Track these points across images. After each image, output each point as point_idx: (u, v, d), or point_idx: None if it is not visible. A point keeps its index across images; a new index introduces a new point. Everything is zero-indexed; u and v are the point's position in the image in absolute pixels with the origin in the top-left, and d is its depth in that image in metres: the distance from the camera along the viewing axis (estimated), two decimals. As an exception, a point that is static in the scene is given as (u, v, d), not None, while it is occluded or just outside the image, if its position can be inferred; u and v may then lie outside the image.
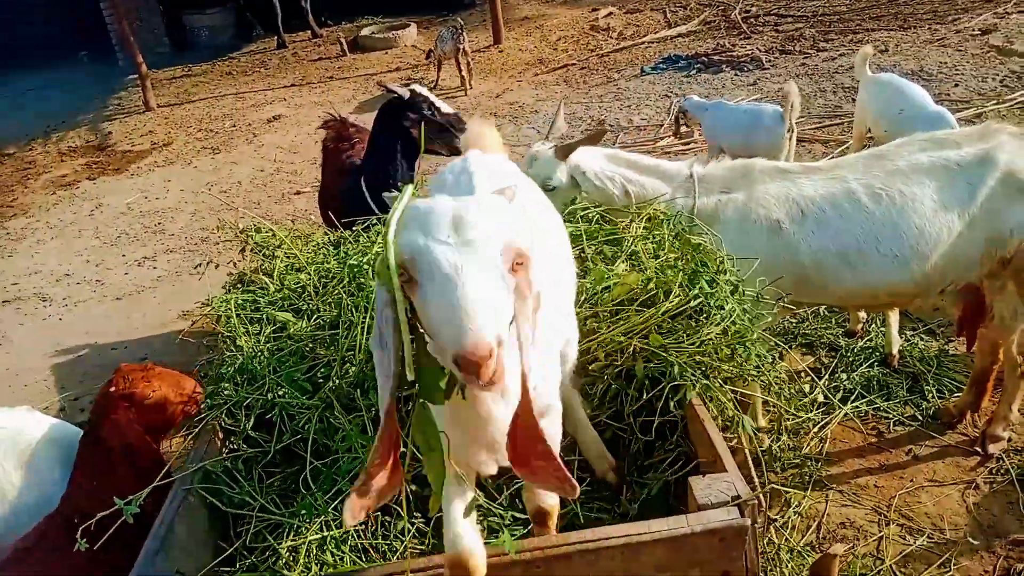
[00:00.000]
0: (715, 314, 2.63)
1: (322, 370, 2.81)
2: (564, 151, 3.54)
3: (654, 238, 3.15)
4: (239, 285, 3.70)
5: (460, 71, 11.43)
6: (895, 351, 4.36)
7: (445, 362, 1.53)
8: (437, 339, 1.51)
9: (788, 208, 3.36)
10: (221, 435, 2.81)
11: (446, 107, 4.67)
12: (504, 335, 1.49)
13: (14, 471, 3.10)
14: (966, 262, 3.28)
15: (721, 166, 3.55)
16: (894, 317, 4.31)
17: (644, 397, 2.59)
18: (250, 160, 10.08)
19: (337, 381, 2.68)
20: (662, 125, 8.80)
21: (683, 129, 7.36)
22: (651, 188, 3.49)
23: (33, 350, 6.11)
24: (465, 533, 1.98)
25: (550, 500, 2.27)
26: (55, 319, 6.61)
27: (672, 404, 2.56)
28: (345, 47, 14.82)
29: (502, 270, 1.54)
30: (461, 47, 11.20)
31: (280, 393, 2.74)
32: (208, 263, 4.24)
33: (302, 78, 13.87)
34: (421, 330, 1.62)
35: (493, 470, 1.96)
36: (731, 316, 2.61)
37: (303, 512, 2.50)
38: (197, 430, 2.81)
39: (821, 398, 3.58)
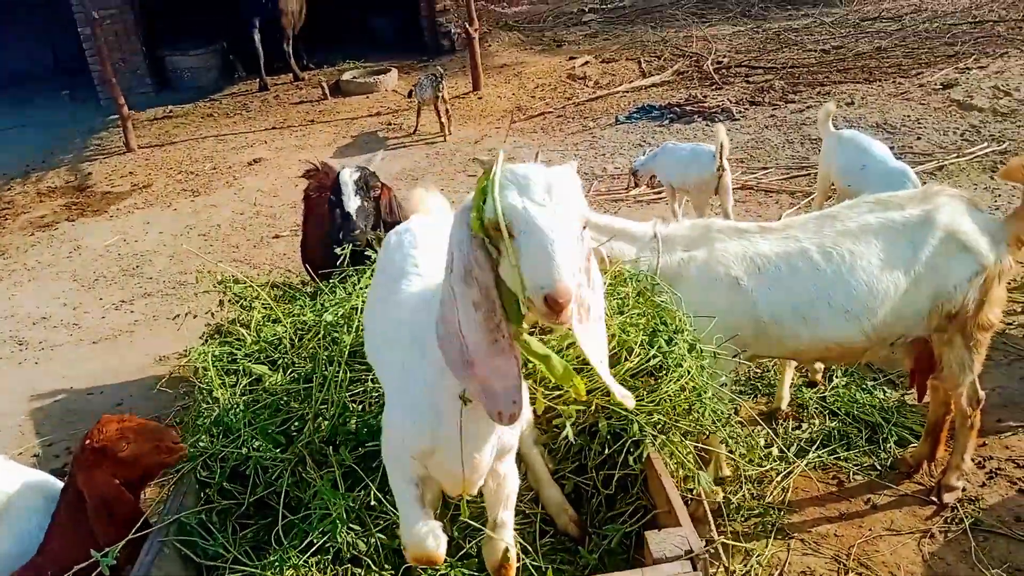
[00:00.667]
0: (673, 371, 2.75)
1: (296, 423, 2.91)
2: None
3: (618, 295, 3.28)
4: (216, 336, 3.79)
5: (439, 117, 11.63)
6: (784, 406, 4.54)
7: (532, 301, 1.80)
8: (528, 283, 1.79)
9: (746, 265, 3.53)
10: (197, 487, 2.88)
11: (353, 203, 4.40)
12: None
13: None
14: (913, 317, 3.46)
15: (683, 226, 3.72)
16: (788, 372, 4.47)
17: (606, 452, 2.69)
18: (230, 203, 10.17)
19: (310, 436, 2.77)
20: (636, 172, 8.99)
21: (636, 189, 8.01)
22: (618, 251, 3.63)
23: (8, 394, 6.12)
24: (431, 526, 2.31)
25: (507, 553, 2.40)
26: (31, 363, 6.63)
27: (631, 459, 2.67)
28: (326, 90, 15.02)
29: (578, 233, 1.89)
30: (440, 95, 11.41)
31: (255, 446, 2.82)
32: (187, 314, 4.32)
33: (283, 121, 14.03)
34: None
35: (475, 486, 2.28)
36: (688, 373, 2.73)
37: (276, 564, 2.57)
38: (173, 481, 2.88)
39: (776, 451, 3.70)
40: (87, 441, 2.89)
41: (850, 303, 3.46)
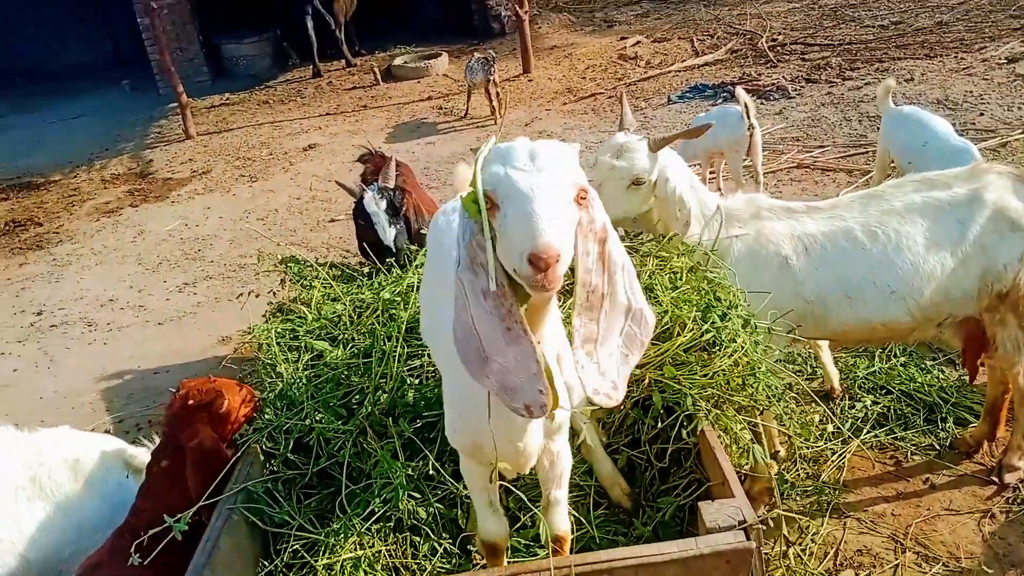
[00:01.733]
0: (727, 346, 2.77)
1: (356, 397, 2.99)
2: (657, 144, 3.42)
3: (672, 269, 3.30)
4: (278, 314, 3.90)
5: (490, 101, 11.67)
6: (836, 384, 4.51)
7: (519, 272, 1.75)
8: (513, 249, 1.74)
9: (794, 245, 3.52)
10: (263, 457, 2.99)
11: (389, 235, 4.40)
12: (567, 251, 1.76)
13: (72, 488, 3.30)
14: (961, 297, 3.42)
15: (735, 202, 3.70)
16: (825, 353, 4.45)
17: (659, 426, 2.73)
18: (286, 188, 10.37)
19: (370, 408, 2.85)
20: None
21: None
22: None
23: (79, 374, 6.37)
24: (500, 520, 2.46)
25: (563, 526, 2.47)
26: (100, 343, 6.88)
27: (685, 432, 2.70)
28: (378, 76, 15.16)
29: (568, 197, 1.81)
30: (491, 78, 11.43)
31: (317, 419, 2.91)
32: (250, 293, 4.45)
33: (336, 107, 14.21)
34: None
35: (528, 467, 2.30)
36: (742, 349, 2.75)
37: (339, 532, 2.66)
38: (240, 451, 2.99)
39: (831, 428, 3.69)
40: (189, 401, 3.00)
41: (896, 283, 3.43)
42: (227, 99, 16.03)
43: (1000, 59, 10.14)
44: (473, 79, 11.66)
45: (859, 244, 3.48)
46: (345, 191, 4.57)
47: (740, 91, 6.90)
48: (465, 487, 2.66)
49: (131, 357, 6.54)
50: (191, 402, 2.94)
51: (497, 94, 11.73)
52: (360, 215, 4.36)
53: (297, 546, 2.70)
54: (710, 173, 7.98)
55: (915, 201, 3.51)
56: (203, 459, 2.85)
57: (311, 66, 16.50)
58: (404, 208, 4.38)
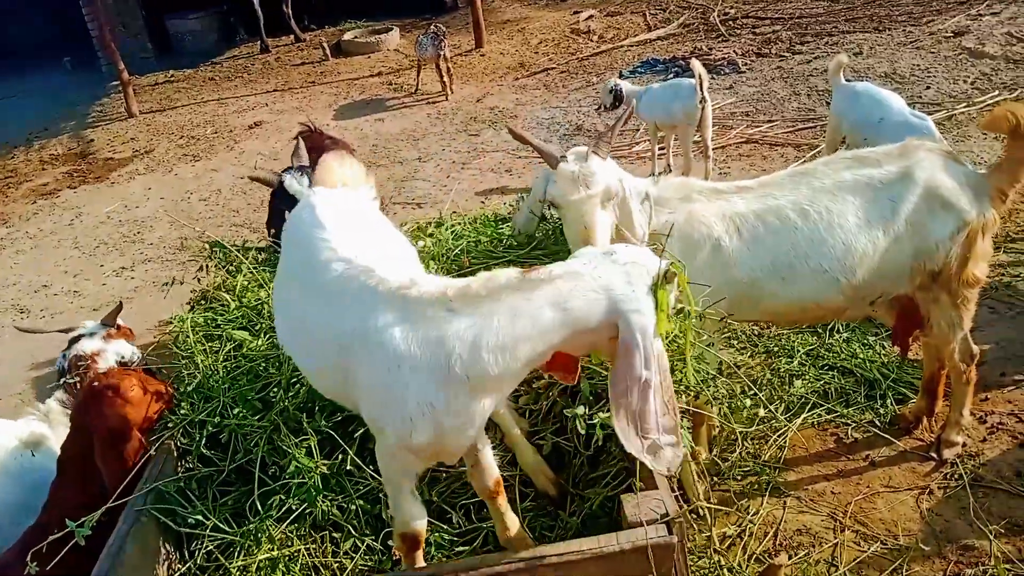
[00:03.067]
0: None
1: (274, 390, 2.86)
2: (605, 150, 3.18)
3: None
4: (202, 302, 3.75)
5: (441, 76, 11.47)
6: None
7: None
8: None
9: (726, 226, 3.43)
10: (177, 454, 2.85)
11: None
12: None
13: None
14: (895, 275, 3.38)
15: (666, 186, 3.60)
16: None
17: (587, 412, 2.64)
18: (231, 167, 10.11)
19: (284, 404, 2.73)
20: (638, 130, 8.85)
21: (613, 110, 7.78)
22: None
23: (9, 365, 6.14)
24: (421, 507, 2.41)
25: (492, 477, 2.51)
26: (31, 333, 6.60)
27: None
28: (327, 51, 14.85)
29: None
30: (442, 52, 11.22)
31: (233, 413, 2.78)
32: (172, 282, 4.27)
33: (284, 83, 13.89)
34: None
35: None
36: (670, 335, 2.67)
37: (255, 532, 2.54)
38: (153, 448, 2.85)
39: (763, 412, 3.63)
40: (95, 383, 2.86)
41: (828, 262, 3.37)
42: (172, 76, 15.61)
43: (947, 32, 10.18)
44: (423, 54, 11.44)
45: (790, 223, 3.40)
46: (260, 183, 4.36)
47: (696, 63, 6.82)
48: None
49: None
50: (97, 384, 2.79)
51: (448, 69, 11.53)
52: (282, 200, 4.17)
53: (211, 547, 2.58)
54: (659, 148, 7.91)
55: (846, 179, 3.44)
56: (114, 444, 2.71)
57: (259, 41, 16.12)
58: None
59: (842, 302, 3.48)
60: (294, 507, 2.57)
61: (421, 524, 2.41)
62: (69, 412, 3.48)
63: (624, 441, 2.04)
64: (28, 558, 2.40)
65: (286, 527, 2.56)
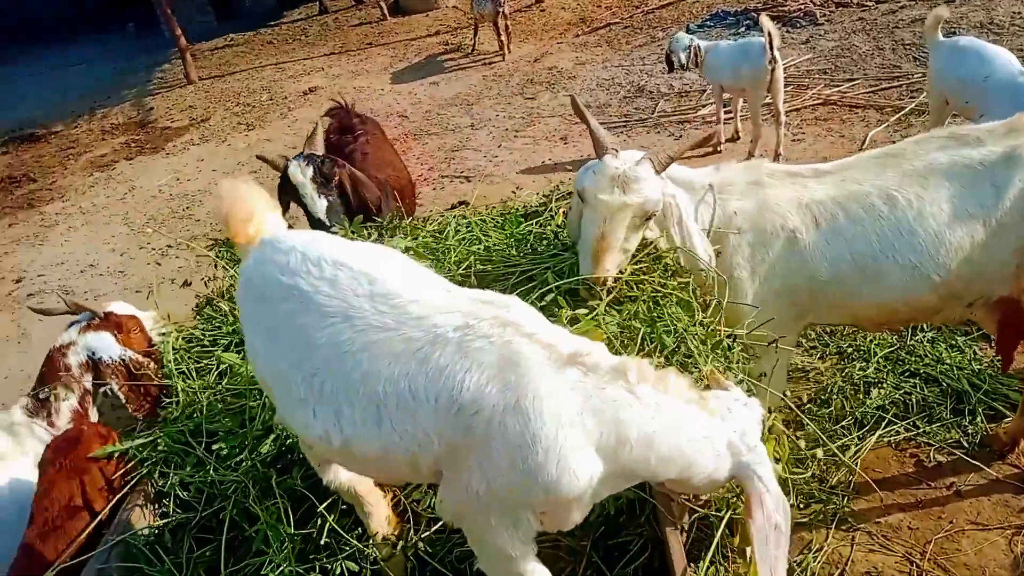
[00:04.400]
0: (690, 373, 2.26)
1: (257, 432, 2.52)
2: (664, 164, 2.73)
3: (643, 274, 2.76)
4: (207, 307, 3.47)
5: (498, 35, 10.96)
6: None
7: None
8: None
9: (802, 215, 2.94)
10: (153, 496, 2.57)
11: (320, 207, 3.93)
12: None
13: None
14: (996, 274, 2.86)
15: (737, 170, 3.11)
16: None
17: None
18: (283, 137, 9.88)
19: (249, 463, 2.40)
20: (705, 91, 8.24)
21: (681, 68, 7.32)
22: (680, 203, 3.04)
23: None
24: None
25: None
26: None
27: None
28: (385, 11, 14.45)
29: None
30: (500, 10, 10.70)
31: (211, 458, 2.47)
32: (187, 283, 4.00)
33: (342, 45, 13.58)
34: None
35: None
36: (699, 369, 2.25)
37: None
38: (126, 489, 2.58)
39: (821, 454, 3.13)
40: (50, 451, 2.58)
41: (917, 256, 2.87)
42: (231, 40, 15.47)
43: (1055, -27, 9.17)
44: (481, 10, 10.94)
45: (875, 211, 2.90)
46: (268, 164, 4.04)
47: (764, 19, 6.28)
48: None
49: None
50: (50, 454, 2.50)
51: (506, 27, 11.01)
52: (286, 189, 3.84)
53: (183, 610, 2.29)
54: (726, 112, 7.31)
55: (941, 161, 2.91)
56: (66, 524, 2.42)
57: (317, 2, 15.82)
58: (335, 177, 3.84)
59: (935, 302, 2.98)
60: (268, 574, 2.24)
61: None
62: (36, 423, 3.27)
63: None
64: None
65: (262, 594, 2.23)
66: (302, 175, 3.76)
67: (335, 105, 5.43)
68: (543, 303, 2.60)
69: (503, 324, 1.87)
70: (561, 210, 3.44)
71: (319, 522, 2.31)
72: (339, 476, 2.31)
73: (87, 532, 2.47)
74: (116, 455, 2.60)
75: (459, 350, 1.84)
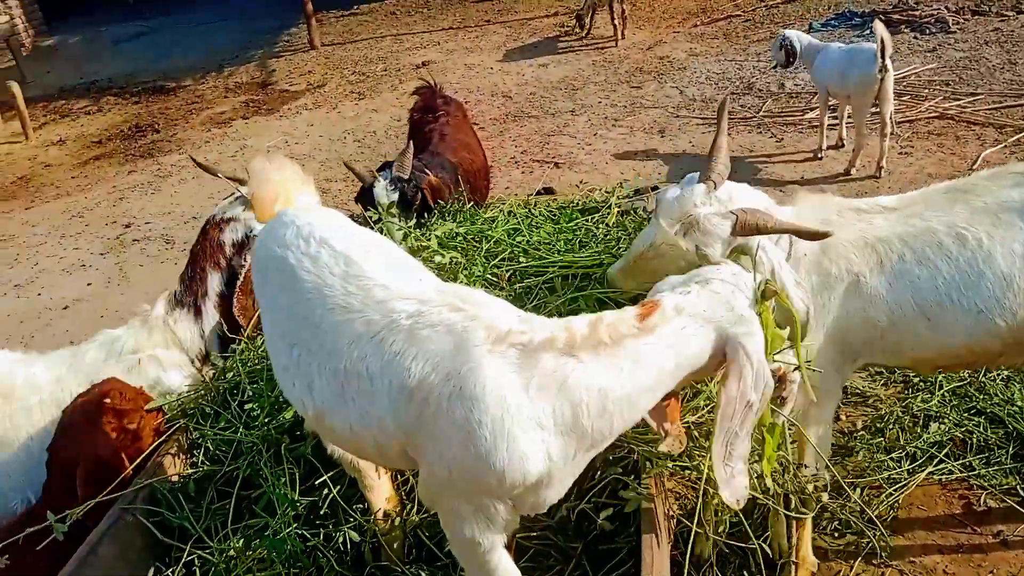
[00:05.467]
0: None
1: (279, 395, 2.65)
2: (747, 229, 2.52)
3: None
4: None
5: (613, 20, 10.84)
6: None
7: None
8: None
9: (866, 257, 2.80)
10: (186, 447, 2.72)
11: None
12: None
13: None
14: None
15: (806, 209, 2.98)
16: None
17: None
18: (390, 108, 10.08)
19: (267, 428, 2.51)
20: (814, 94, 7.94)
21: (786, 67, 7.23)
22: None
23: (143, 293, 6.40)
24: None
25: None
26: (171, 263, 6.89)
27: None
28: (508, -13, 14.50)
29: None
30: (618, -7, 10.58)
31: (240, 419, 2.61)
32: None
33: (461, 20, 13.72)
34: None
35: None
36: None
37: (236, 553, 2.37)
38: (163, 437, 2.74)
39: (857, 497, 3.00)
40: (106, 399, 2.71)
41: (983, 300, 2.71)
42: (357, 9, 15.84)
43: None
44: (597, -5, 10.86)
45: (944, 251, 2.75)
46: (355, 175, 4.08)
47: (878, 25, 6.02)
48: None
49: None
50: (108, 401, 2.64)
51: (623, 12, 10.88)
52: (368, 202, 3.89)
53: (195, 557, 2.43)
54: (831, 118, 7.04)
55: (1014, 199, 2.74)
56: (99, 476, 2.57)
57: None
58: (417, 201, 3.86)
59: (998, 348, 2.81)
60: (278, 528, 2.36)
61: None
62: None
63: (716, 467, 1.97)
64: (-1, 551, 2.34)
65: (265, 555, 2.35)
66: (387, 198, 3.79)
67: (423, 84, 5.53)
68: (570, 306, 2.62)
69: (453, 309, 1.91)
70: (615, 209, 3.42)
71: (324, 491, 2.41)
72: (339, 448, 2.40)
73: (125, 475, 2.63)
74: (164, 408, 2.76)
75: (409, 336, 1.89)
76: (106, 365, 3.20)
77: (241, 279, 3.38)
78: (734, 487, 2.00)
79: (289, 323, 2.06)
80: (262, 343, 3.06)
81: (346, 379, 1.94)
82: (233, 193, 3.63)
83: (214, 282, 3.44)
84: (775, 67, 7.11)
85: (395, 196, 3.84)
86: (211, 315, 3.42)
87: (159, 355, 3.31)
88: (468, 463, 1.82)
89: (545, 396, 1.82)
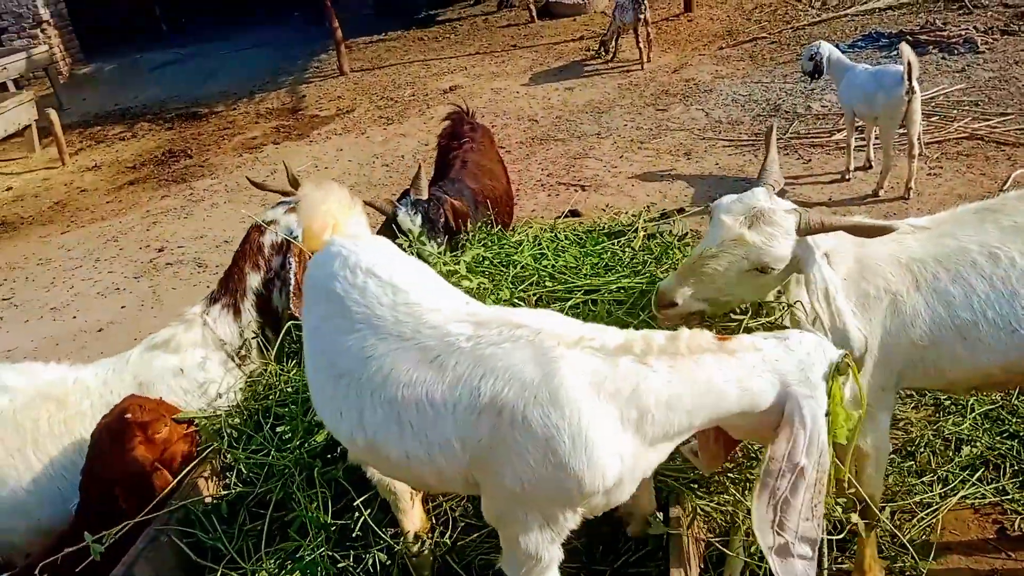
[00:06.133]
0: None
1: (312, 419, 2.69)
2: (810, 228, 2.51)
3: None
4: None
5: (638, 43, 10.90)
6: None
7: None
8: None
9: (902, 276, 2.79)
10: (219, 469, 2.77)
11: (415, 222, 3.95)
12: None
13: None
14: None
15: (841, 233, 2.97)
16: None
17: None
18: (418, 133, 10.20)
19: (299, 452, 2.55)
20: (842, 115, 7.93)
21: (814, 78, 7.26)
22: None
23: (178, 315, 6.50)
24: None
25: None
26: (203, 286, 6.99)
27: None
28: (533, 13, 14.65)
29: None
30: (642, 17, 10.64)
31: (272, 442, 2.66)
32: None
33: (487, 46, 13.86)
34: None
35: None
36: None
37: (264, 574, 2.40)
38: (198, 459, 2.79)
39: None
40: (128, 415, 2.77)
41: (1017, 319, 2.69)
42: (385, 36, 16.06)
43: None
44: (622, 18, 10.93)
45: (978, 269, 2.74)
46: (375, 209, 4.11)
47: (905, 47, 6.03)
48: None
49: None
50: (128, 416, 2.71)
51: (647, 35, 10.95)
52: (392, 232, 3.91)
53: (225, 579, 2.47)
54: (858, 139, 7.03)
55: None
56: (132, 485, 2.62)
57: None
58: (441, 219, 3.89)
59: None
60: (307, 554, 2.39)
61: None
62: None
63: (757, 531, 1.92)
64: (38, 570, 2.39)
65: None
66: (411, 223, 3.85)
67: (454, 110, 5.60)
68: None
69: (514, 327, 1.96)
70: (641, 233, 3.44)
71: (356, 515, 2.44)
72: (378, 473, 2.44)
73: (160, 497, 2.69)
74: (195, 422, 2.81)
75: (473, 357, 1.92)
76: (150, 365, 3.35)
77: (293, 282, 3.47)
78: (791, 568, 1.93)
79: (337, 354, 2.08)
80: (293, 367, 3.12)
81: (402, 407, 1.96)
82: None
83: (253, 282, 3.57)
84: (804, 76, 7.18)
85: (418, 219, 3.86)
86: (249, 314, 3.55)
87: (201, 354, 3.44)
88: (546, 472, 1.86)
89: (617, 399, 1.87)
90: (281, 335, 3.29)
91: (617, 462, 1.87)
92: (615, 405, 1.87)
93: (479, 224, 3.91)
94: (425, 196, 3.91)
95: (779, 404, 1.94)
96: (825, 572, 2.69)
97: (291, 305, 3.43)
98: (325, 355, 2.12)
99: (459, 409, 1.90)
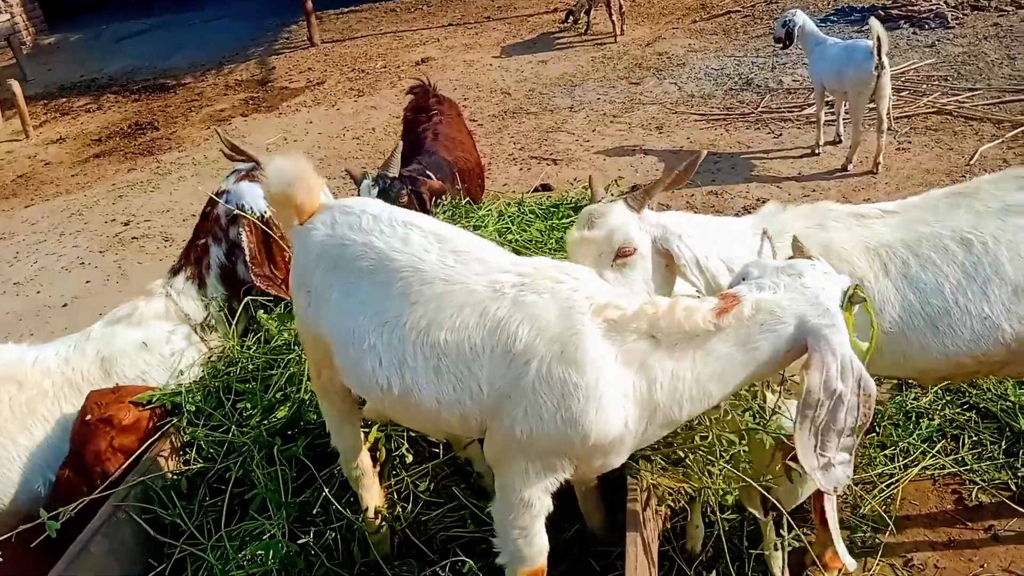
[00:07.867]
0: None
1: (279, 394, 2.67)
2: (638, 201, 2.65)
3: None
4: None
5: (610, 16, 10.84)
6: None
7: None
8: None
9: (869, 261, 2.78)
10: (179, 445, 2.74)
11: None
12: None
13: None
14: None
15: (790, 214, 2.97)
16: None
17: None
18: (389, 105, 10.09)
19: (259, 430, 2.53)
20: (811, 90, 7.94)
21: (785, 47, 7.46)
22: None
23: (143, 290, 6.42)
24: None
25: None
26: (170, 260, 6.87)
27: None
28: (507, -15, 14.49)
29: None
30: (615, -11, 10.58)
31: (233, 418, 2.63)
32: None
33: (460, 17, 13.72)
34: None
35: None
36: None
37: (223, 554, 2.38)
38: (157, 435, 2.76)
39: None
40: (87, 416, 2.75)
41: (991, 307, 2.68)
42: (357, 6, 15.85)
43: None
44: (595, -9, 10.87)
45: (950, 255, 2.72)
46: (349, 176, 4.09)
47: (875, 22, 6.04)
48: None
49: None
50: (88, 418, 2.68)
51: (620, 7, 10.88)
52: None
53: (187, 553, 2.45)
54: (828, 114, 7.05)
55: (1020, 202, 2.72)
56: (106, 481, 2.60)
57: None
58: (402, 200, 3.84)
59: (1003, 356, 2.77)
60: (268, 528, 2.38)
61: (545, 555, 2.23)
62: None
63: (801, 456, 1.98)
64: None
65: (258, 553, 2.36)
66: (368, 194, 3.82)
67: (417, 83, 5.53)
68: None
69: (555, 280, 2.02)
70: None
71: (316, 492, 2.43)
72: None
73: (117, 474, 2.66)
74: (154, 400, 2.78)
75: (515, 303, 1.99)
76: (113, 340, 3.28)
77: (248, 254, 3.40)
78: (833, 476, 2.02)
79: (380, 303, 2.12)
80: (255, 343, 3.09)
81: (444, 349, 2.01)
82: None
83: (216, 253, 3.53)
84: (775, 42, 7.31)
85: (375, 193, 3.78)
86: (215, 288, 3.52)
87: (166, 327, 3.39)
88: (557, 423, 1.94)
89: (628, 369, 1.96)
90: (240, 310, 3.24)
91: (621, 425, 1.96)
92: (627, 373, 1.95)
93: (450, 198, 3.88)
94: (395, 174, 3.87)
95: (800, 340, 1.99)
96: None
97: (251, 276, 3.38)
98: (366, 307, 2.14)
99: (496, 353, 1.97)
